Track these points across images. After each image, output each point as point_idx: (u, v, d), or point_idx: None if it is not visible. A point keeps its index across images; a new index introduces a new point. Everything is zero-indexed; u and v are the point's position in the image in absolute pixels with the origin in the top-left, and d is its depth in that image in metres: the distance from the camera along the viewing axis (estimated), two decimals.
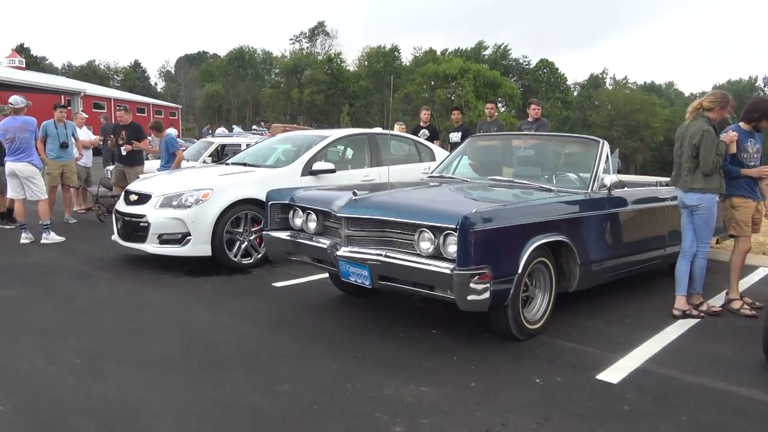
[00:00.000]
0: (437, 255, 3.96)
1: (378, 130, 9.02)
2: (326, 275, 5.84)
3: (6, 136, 7.68)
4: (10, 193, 8.00)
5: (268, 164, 7.45)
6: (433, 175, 5.90)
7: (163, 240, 6.24)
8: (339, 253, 4.32)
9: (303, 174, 6.95)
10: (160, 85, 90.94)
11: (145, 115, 45.25)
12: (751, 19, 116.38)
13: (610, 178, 4.91)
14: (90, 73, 73.33)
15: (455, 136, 10.48)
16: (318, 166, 6.98)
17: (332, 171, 7.00)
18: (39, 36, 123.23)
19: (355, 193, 4.38)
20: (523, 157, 5.73)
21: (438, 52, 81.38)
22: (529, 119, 9.36)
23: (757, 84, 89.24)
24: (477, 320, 4.49)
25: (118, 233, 6.81)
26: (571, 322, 4.76)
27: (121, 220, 6.68)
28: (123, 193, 6.98)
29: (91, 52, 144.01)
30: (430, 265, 3.90)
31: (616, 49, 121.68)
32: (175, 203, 6.26)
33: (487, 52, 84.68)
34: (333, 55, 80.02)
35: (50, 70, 69.01)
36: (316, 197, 4.86)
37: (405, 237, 4.14)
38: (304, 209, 4.86)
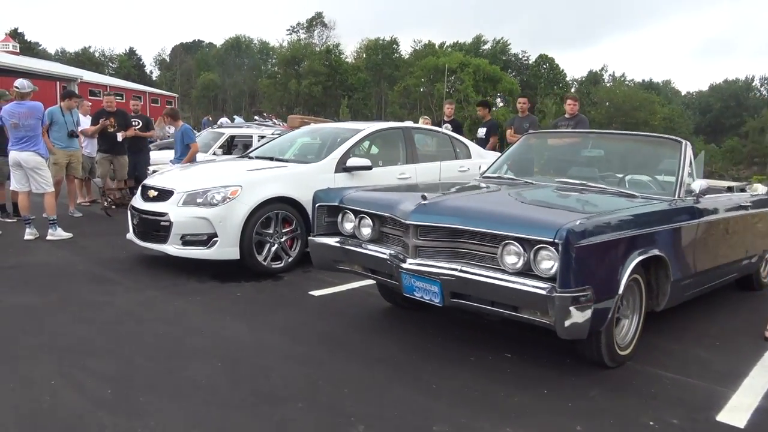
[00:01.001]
0: (525, 271, 3.41)
1: (409, 123, 8.43)
2: (366, 282, 5.32)
3: (10, 122, 7.07)
4: (14, 185, 7.40)
5: (296, 159, 6.87)
6: (488, 175, 5.33)
7: (187, 241, 5.67)
8: (405, 266, 3.77)
9: (337, 171, 6.39)
10: (156, 73, 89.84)
11: (142, 102, 44.45)
12: (748, 20, 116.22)
13: (698, 184, 4.38)
14: (85, 59, 72.24)
15: (481, 132, 9.97)
16: (353, 162, 6.42)
17: (368, 168, 6.44)
18: (31, 21, 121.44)
19: (424, 197, 3.82)
20: (590, 158, 5.18)
21: (436, 46, 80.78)
22: (566, 115, 8.81)
23: (753, 84, 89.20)
24: (551, 341, 3.96)
25: (134, 232, 6.23)
26: (656, 345, 4.23)
27: (138, 217, 6.10)
28: (140, 188, 6.39)
29: (84, 39, 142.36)
30: (518, 283, 3.35)
31: (613, 47, 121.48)
32: (200, 201, 5.69)
33: (487, 46, 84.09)
34: (331, 47, 79.16)
35: (44, 56, 67.87)
36: (371, 200, 4.30)
37: (484, 249, 3.59)
38: (356, 213, 4.31)
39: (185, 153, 8.59)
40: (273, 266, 5.88)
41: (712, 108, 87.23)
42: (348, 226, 4.40)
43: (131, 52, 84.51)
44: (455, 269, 3.61)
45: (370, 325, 4.54)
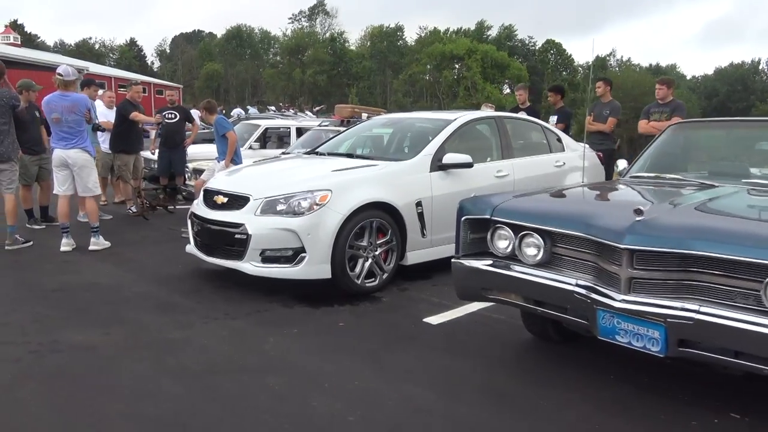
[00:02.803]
0: None
1: (490, 111, 7.44)
2: (484, 305, 4.40)
3: (51, 116, 6.12)
4: (57, 189, 6.43)
5: (382, 156, 5.89)
6: (638, 174, 4.37)
7: (268, 257, 4.72)
8: (617, 304, 2.81)
9: (432, 169, 5.43)
10: (157, 64, 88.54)
11: (146, 94, 43.29)
12: (753, 1, 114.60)
13: None
14: (85, 50, 71.01)
15: (552, 121, 8.99)
16: (450, 158, 5.46)
17: (469, 165, 5.49)
18: (27, 13, 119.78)
19: (639, 211, 2.86)
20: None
21: (441, 33, 79.47)
22: (658, 101, 7.84)
23: (761, 67, 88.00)
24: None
25: (197, 244, 5.29)
26: None
27: (201, 227, 5.16)
28: (203, 193, 5.43)
29: (82, 30, 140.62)
30: None
31: (619, 32, 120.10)
32: (281, 209, 4.74)
33: (493, 32, 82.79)
34: (336, 35, 77.89)
35: (43, 48, 66.64)
36: (542, 211, 3.35)
37: (736, 283, 2.64)
38: (516, 228, 3.35)
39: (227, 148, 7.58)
40: (367, 285, 4.94)
41: (719, 92, 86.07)
42: (501, 244, 3.44)
43: (132, 43, 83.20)
44: (693, 310, 2.66)
45: (527, 369, 3.59)
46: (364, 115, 9.44)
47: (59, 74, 6.19)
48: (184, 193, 9.19)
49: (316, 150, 6.43)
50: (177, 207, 8.98)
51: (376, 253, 4.97)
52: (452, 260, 3.55)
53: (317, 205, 4.68)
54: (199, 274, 5.48)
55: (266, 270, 4.72)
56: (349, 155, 5.88)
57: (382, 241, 5.02)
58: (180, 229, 7.30)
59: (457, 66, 72.11)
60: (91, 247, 6.22)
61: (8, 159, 6.34)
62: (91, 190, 6.32)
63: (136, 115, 8.12)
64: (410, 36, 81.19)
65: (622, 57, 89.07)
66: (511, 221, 3.37)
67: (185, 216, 8.15)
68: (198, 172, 8.34)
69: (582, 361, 3.67)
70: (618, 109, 8.60)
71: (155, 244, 6.73)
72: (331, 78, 74.11)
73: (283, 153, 9.11)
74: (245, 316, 4.38)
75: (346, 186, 4.87)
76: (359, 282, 4.87)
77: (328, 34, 79.92)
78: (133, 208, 8.50)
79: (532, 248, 3.29)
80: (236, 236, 4.77)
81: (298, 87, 74.86)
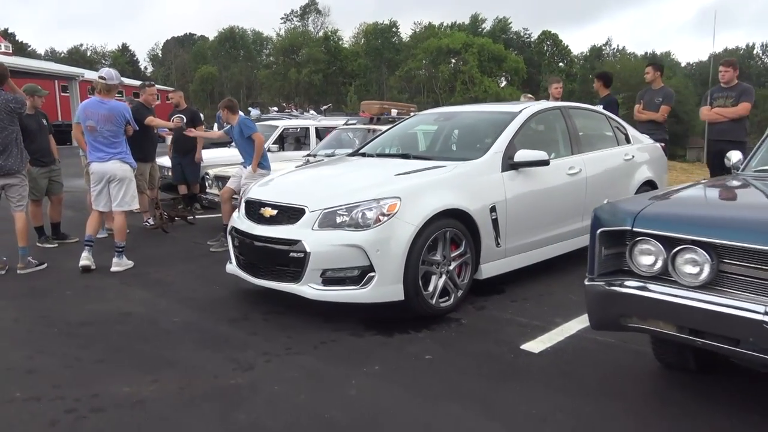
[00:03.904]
0: None
1: (549, 102, 6.71)
2: (580, 324, 3.79)
3: (86, 123, 5.49)
4: (94, 205, 5.79)
5: (445, 155, 5.22)
6: (763, 168, 3.73)
7: (329, 279, 4.05)
8: None
9: (503, 168, 4.78)
10: (150, 69, 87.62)
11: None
12: None
13: None
14: (78, 58, 70.10)
15: None
16: (524, 156, 4.80)
17: (545, 163, 4.83)
18: (17, 22, 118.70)
19: None
20: None
21: (435, 27, 78.70)
22: (722, 84, 7.23)
23: (755, 52, 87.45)
24: None
25: (240, 264, 4.63)
26: None
27: (245, 243, 4.50)
28: (244, 204, 4.76)
29: (73, 37, 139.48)
30: None
31: (614, 21, 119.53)
32: (342, 221, 4.08)
33: (487, 25, 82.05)
34: (329, 33, 77.03)
35: (35, 56, 65.76)
36: (712, 219, 2.72)
37: None
38: (669, 241, 2.70)
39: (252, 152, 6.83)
40: (441, 305, 4.29)
41: (714, 78, 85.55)
42: (645, 261, 2.79)
43: (124, 48, 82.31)
44: None
45: (679, 414, 2.93)
46: (394, 111, 8.79)
47: (102, 77, 5.58)
48: (203, 202, 8.53)
49: (361, 151, 5.76)
50: (196, 217, 8.32)
51: (450, 267, 4.32)
52: (586, 283, 2.89)
53: (384, 215, 4.02)
54: (241, 296, 4.83)
55: (329, 293, 4.06)
56: (404, 156, 5.22)
57: (455, 254, 4.36)
58: (207, 243, 6.66)
59: (453, 60, 71.30)
60: (113, 268, 5.56)
61: (16, 172, 5.67)
62: (127, 203, 5.70)
63: (151, 120, 7.44)
64: (405, 32, 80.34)
65: (618, 46, 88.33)
66: (662, 232, 2.72)
67: (207, 227, 7.59)
68: (220, 179, 7.67)
69: (738, 400, 3.03)
70: (671, 96, 7.96)
71: (182, 261, 6.06)
72: (327, 77, 73.22)
73: (309, 155, 8.48)
74: (312, 350, 3.72)
75: (416, 192, 4.21)
76: (434, 302, 4.22)
77: (321, 33, 79.05)
78: (151, 221, 7.83)
79: (692, 266, 2.64)
80: (291, 255, 4.10)
81: (293, 87, 73.95)
